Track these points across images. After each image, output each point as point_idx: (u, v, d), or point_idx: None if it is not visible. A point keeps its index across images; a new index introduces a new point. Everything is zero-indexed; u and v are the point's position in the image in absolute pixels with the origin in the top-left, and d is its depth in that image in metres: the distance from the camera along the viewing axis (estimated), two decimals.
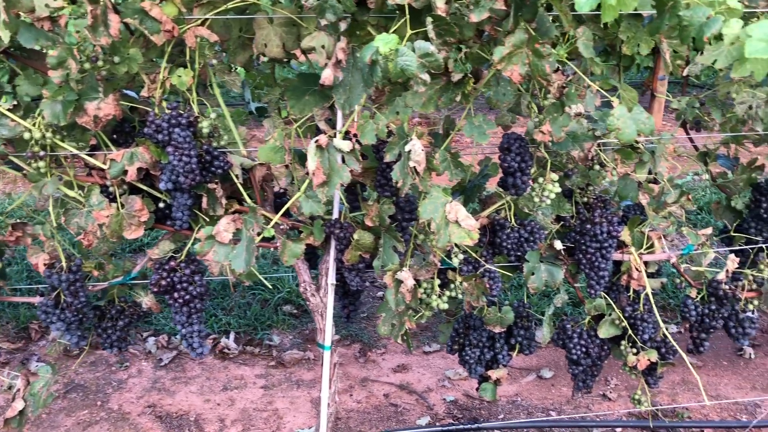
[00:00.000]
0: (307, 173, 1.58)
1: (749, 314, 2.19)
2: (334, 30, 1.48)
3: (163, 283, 1.90)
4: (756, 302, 2.20)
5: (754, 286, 2.21)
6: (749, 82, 2.22)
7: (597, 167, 2.06)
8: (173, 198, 1.83)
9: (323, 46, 1.59)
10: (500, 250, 2.09)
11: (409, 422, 3.00)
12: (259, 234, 1.69)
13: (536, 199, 1.93)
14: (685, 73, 2.25)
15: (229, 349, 3.45)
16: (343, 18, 1.47)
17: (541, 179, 1.92)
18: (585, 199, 2.13)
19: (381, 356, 3.50)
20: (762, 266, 2.22)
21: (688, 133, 2.39)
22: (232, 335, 3.55)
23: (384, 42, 1.28)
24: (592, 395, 3.21)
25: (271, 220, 1.88)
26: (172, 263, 1.92)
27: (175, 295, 1.91)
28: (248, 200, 1.86)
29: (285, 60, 1.94)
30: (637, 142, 2.16)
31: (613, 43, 2.04)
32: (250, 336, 3.58)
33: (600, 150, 2.13)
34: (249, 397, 3.14)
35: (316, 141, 1.52)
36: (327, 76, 1.47)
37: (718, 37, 1.38)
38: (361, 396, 3.18)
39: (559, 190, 1.92)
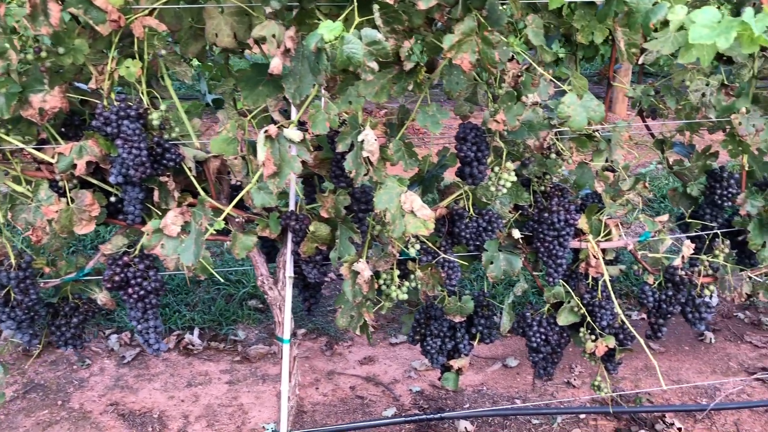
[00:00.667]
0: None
1: (707, 299, 2.22)
2: (281, 18, 1.45)
3: (117, 278, 1.87)
4: (712, 287, 2.23)
5: (710, 272, 2.25)
6: (703, 70, 2.24)
7: (553, 156, 2.07)
8: (124, 192, 1.80)
9: (274, 35, 1.57)
10: (459, 239, 2.09)
11: (375, 414, 3.00)
12: (211, 226, 1.66)
13: (492, 189, 1.93)
14: (640, 62, 2.26)
15: (193, 345, 3.41)
16: (289, 6, 1.45)
17: (497, 168, 1.92)
18: (542, 188, 2.14)
19: (348, 349, 3.49)
20: (717, 252, 2.25)
21: (644, 121, 2.41)
22: (196, 331, 3.51)
23: (328, 29, 1.26)
24: (557, 383, 3.24)
25: (228, 214, 1.86)
26: (126, 258, 1.89)
27: (130, 290, 1.88)
28: (202, 193, 1.83)
29: (239, 50, 1.91)
30: (594, 130, 2.18)
31: (569, 31, 2.04)
32: (215, 331, 3.55)
33: (557, 139, 2.14)
34: (214, 393, 3.10)
35: (266, 131, 1.50)
36: (275, 65, 1.45)
37: (665, 24, 1.39)
38: (328, 389, 3.17)
39: (515, 179, 1.92)
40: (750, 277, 2.24)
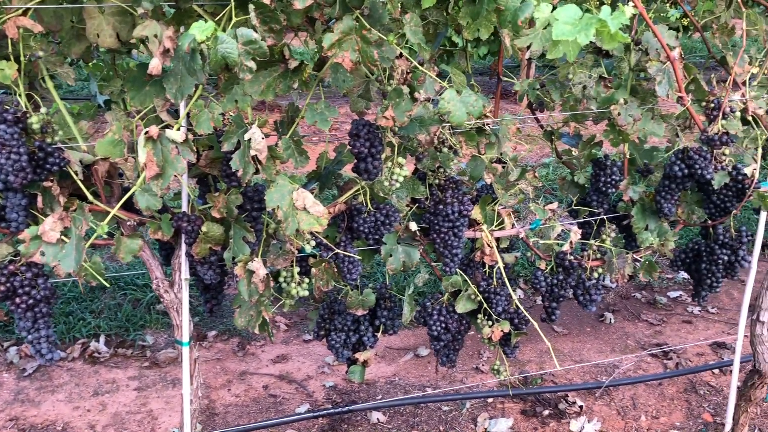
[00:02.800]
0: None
1: (594, 281, 2.34)
2: (156, 18, 1.44)
3: (2, 288, 1.80)
4: (600, 270, 2.35)
5: (599, 256, 2.36)
6: (585, 63, 2.35)
7: (446, 150, 2.13)
8: (6, 198, 1.73)
9: (156, 35, 1.55)
10: (358, 234, 2.12)
11: (288, 411, 3.01)
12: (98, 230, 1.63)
13: (386, 183, 1.96)
14: (526, 56, 2.36)
15: (99, 353, 3.32)
16: (160, 6, 1.43)
17: (389, 163, 1.95)
18: (437, 181, 2.19)
19: (260, 348, 3.48)
20: (604, 236, 2.37)
21: (534, 114, 2.51)
22: (102, 338, 3.42)
23: (200, 30, 1.26)
24: (466, 369, 3.34)
25: (118, 217, 1.82)
26: (12, 267, 1.82)
27: (17, 300, 1.81)
28: (90, 197, 1.79)
29: (124, 50, 1.88)
30: (485, 124, 2.25)
31: (459, 28, 2.10)
32: (122, 338, 3.47)
33: (451, 133, 2.20)
34: (122, 401, 3.04)
35: (146, 133, 1.48)
36: (154, 65, 1.43)
37: (533, 21, 1.45)
38: (240, 389, 3.16)
39: (407, 173, 1.96)
40: (636, 259, 2.37)
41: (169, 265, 2.00)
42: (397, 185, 1.96)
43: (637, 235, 2.32)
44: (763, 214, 2.45)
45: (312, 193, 2.09)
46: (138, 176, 1.82)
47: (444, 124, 2.06)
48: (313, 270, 1.94)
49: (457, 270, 2.25)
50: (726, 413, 2.76)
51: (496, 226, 2.23)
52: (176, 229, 1.83)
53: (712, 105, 2.19)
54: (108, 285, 1.58)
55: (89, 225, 1.62)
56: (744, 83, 2.26)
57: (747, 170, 2.29)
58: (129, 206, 1.81)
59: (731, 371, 2.71)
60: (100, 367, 3.26)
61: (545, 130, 2.49)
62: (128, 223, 1.84)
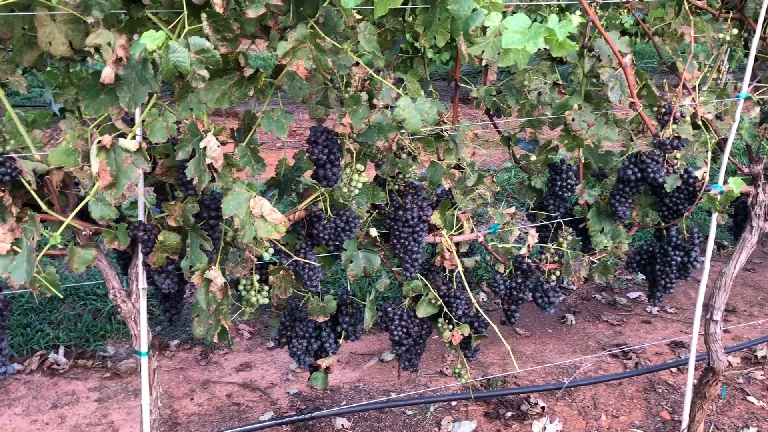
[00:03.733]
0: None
1: (562, 284, 2.37)
2: (107, 26, 1.43)
3: None
4: (558, 273, 2.39)
5: (556, 258, 2.40)
6: (541, 70, 2.39)
7: (405, 156, 2.15)
8: None
9: (109, 44, 1.54)
10: (318, 240, 2.12)
11: (252, 419, 2.99)
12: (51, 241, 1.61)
13: (345, 190, 1.98)
14: (483, 63, 2.39)
15: (58, 365, 3.26)
16: (113, 14, 1.43)
17: (348, 170, 1.97)
18: (397, 187, 2.21)
19: (224, 357, 3.45)
20: (561, 240, 2.41)
21: (492, 119, 2.54)
22: (61, 349, 3.36)
23: (151, 39, 1.26)
24: (430, 372, 3.36)
25: (74, 227, 1.80)
26: None
27: None
28: (44, 207, 1.77)
29: (78, 58, 1.86)
30: (443, 130, 2.27)
31: (417, 35, 2.12)
32: (82, 348, 3.41)
33: (411, 140, 2.22)
34: (81, 413, 2.99)
35: (99, 142, 1.47)
36: (107, 74, 1.42)
37: (484, 30, 1.48)
38: (203, 398, 3.13)
39: (366, 179, 1.98)
40: (593, 262, 2.41)
41: (127, 275, 1.98)
42: (357, 191, 1.98)
43: (592, 238, 2.36)
44: (714, 216, 2.52)
45: (272, 200, 2.09)
46: (93, 185, 1.80)
47: (402, 131, 2.08)
48: (271, 278, 1.94)
49: (418, 275, 2.27)
50: (683, 411, 2.83)
51: (455, 231, 2.26)
52: (132, 239, 1.81)
53: (664, 110, 2.25)
54: (62, 296, 1.56)
55: (41, 235, 1.60)
56: (694, 88, 2.32)
57: (698, 173, 2.36)
58: (84, 216, 1.78)
59: (688, 370, 2.78)
60: (59, 379, 3.20)
61: (503, 136, 2.52)
62: (83, 232, 1.82)
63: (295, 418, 2.64)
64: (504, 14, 1.48)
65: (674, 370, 3.39)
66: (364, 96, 1.86)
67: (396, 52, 2.20)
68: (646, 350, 3.57)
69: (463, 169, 2.22)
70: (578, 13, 1.71)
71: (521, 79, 2.38)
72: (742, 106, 2.42)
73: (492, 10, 1.46)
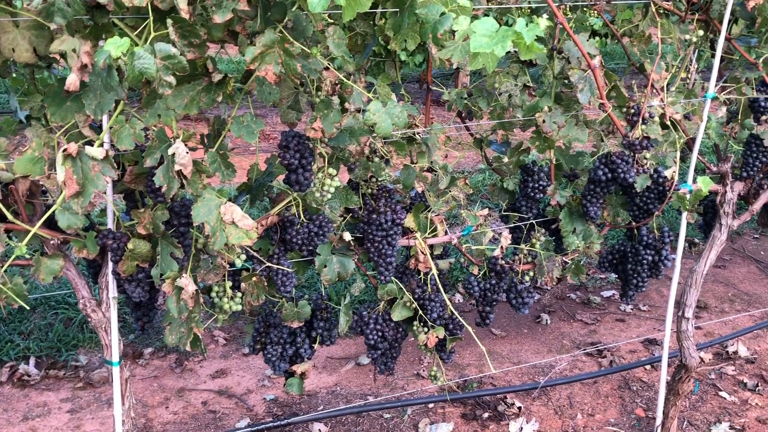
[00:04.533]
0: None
1: (536, 284, 2.39)
2: (73, 33, 1.41)
3: None
4: (531, 274, 2.41)
5: (529, 259, 2.42)
6: (511, 72, 2.41)
7: (377, 159, 2.14)
8: None
9: (74, 50, 1.51)
10: (292, 246, 2.11)
11: (228, 426, 2.96)
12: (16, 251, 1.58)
13: (317, 194, 1.97)
14: (455, 66, 2.39)
15: (29, 376, 3.20)
16: (77, 20, 1.41)
17: (320, 174, 1.96)
18: (370, 191, 2.21)
19: (199, 364, 3.42)
20: (534, 241, 2.43)
21: (464, 122, 2.55)
22: (32, 360, 3.30)
23: (115, 46, 1.24)
24: (407, 375, 3.36)
25: (41, 236, 1.77)
26: None
27: None
28: (10, 216, 1.73)
29: (43, 65, 1.83)
30: (416, 133, 2.28)
31: (387, 39, 2.12)
32: (54, 359, 3.35)
33: (384, 143, 2.22)
34: (53, 424, 2.94)
35: (65, 150, 1.45)
36: (71, 81, 1.40)
37: (452, 34, 1.48)
38: (178, 407, 3.10)
39: (338, 183, 1.97)
40: (565, 262, 2.43)
41: (97, 284, 1.96)
42: (329, 196, 1.97)
43: (564, 238, 2.38)
44: (684, 214, 2.55)
45: (243, 205, 2.07)
46: (61, 194, 1.77)
47: (374, 135, 2.07)
48: (243, 285, 1.93)
49: (393, 278, 2.26)
50: (657, 408, 2.86)
51: (429, 234, 2.26)
52: (102, 247, 1.79)
53: (633, 111, 2.27)
54: (28, 307, 1.53)
55: (4, 246, 1.57)
56: (662, 89, 2.35)
57: (667, 173, 2.39)
58: (52, 225, 1.76)
59: (661, 367, 2.81)
60: (30, 391, 3.14)
61: (475, 138, 2.53)
62: (51, 242, 1.79)
63: (271, 424, 2.62)
64: (474, 18, 1.49)
65: (648, 367, 3.42)
66: (335, 100, 1.86)
67: (367, 55, 2.19)
68: (620, 348, 3.61)
69: (436, 171, 2.22)
70: (545, 16, 1.72)
71: (492, 82, 2.39)
72: (709, 106, 2.45)
73: (460, 14, 1.46)
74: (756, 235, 5.01)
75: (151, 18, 1.36)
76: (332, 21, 1.76)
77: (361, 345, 3.58)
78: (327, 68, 1.85)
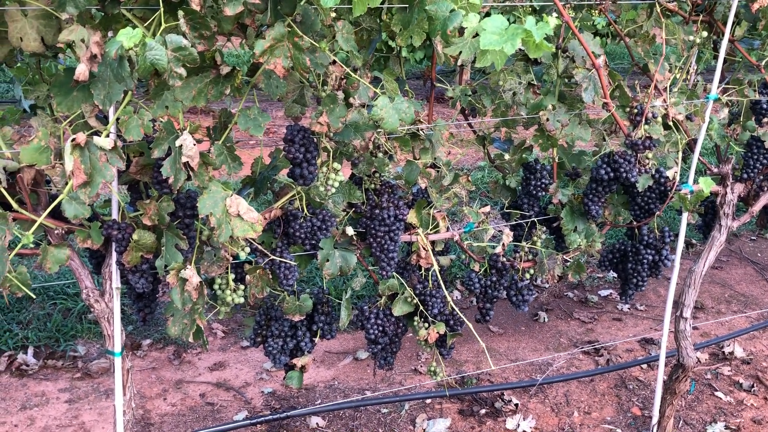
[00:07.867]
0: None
1: (536, 282, 2.40)
2: (82, 23, 1.41)
3: None
4: (532, 271, 2.42)
5: (530, 257, 2.43)
6: (516, 70, 2.41)
7: (381, 155, 2.15)
8: None
9: (83, 40, 1.52)
10: (294, 239, 2.12)
11: (226, 419, 2.97)
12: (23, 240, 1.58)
13: (322, 189, 1.97)
14: (459, 63, 2.40)
15: (27, 365, 3.21)
16: (88, 10, 1.41)
17: (325, 169, 1.96)
18: (373, 186, 2.21)
19: (197, 356, 3.42)
20: (535, 238, 2.44)
21: (467, 119, 2.56)
22: (30, 350, 3.30)
23: (128, 37, 1.25)
24: (405, 371, 3.37)
25: (46, 226, 1.77)
26: None
27: None
28: (15, 205, 1.73)
29: (50, 54, 1.83)
30: (419, 129, 2.28)
31: (393, 35, 2.12)
32: (52, 349, 3.36)
33: (387, 139, 2.23)
34: (52, 414, 2.94)
35: (73, 140, 1.45)
36: (81, 71, 1.40)
37: (462, 30, 1.49)
38: (176, 398, 3.10)
39: (343, 178, 1.98)
40: (566, 260, 2.44)
41: (99, 274, 1.96)
42: (333, 190, 1.97)
43: (566, 236, 2.39)
44: (684, 215, 2.56)
45: (247, 198, 2.08)
46: (66, 184, 1.77)
47: (379, 130, 2.08)
48: (248, 277, 1.93)
49: (394, 273, 2.27)
50: (653, 406, 2.88)
51: (431, 230, 2.27)
52: (106, 238, 1.79)
53: (636, 111, 2.28)
54: (34, 296, 1.53)
55: (12, 234, 1.57)
56: (665, 89, 2.36)
57: (669, 173, 2.40)
58: (57, 214, 1.76)
59: (658, 366, 2.82)
60: (28, 380, 3.15)
61: (478, 135, 2.54)
62: (56, 231, 1.79)
63: (269, 417, 2.63)
64: (487, 15, 1.49)
65: (645, 366, 3.44)
66: (340, 95, 1.86)
67: (372, 51, 2.20)
68: (617, 347, 3.62)
69: (439, 168, 2.23)
70: (554, 14, 1.73)
71: (496, 80, 2.40)
72: (711, 107, 2.46)
73: (470, 11, 1.47)
74: (753, 237, 5.03)
75: (162, 9, 1.37)
76: (339, 16, 1.76)
77: (359, 340, 3.59)
78: (333, 62, 1.85)
